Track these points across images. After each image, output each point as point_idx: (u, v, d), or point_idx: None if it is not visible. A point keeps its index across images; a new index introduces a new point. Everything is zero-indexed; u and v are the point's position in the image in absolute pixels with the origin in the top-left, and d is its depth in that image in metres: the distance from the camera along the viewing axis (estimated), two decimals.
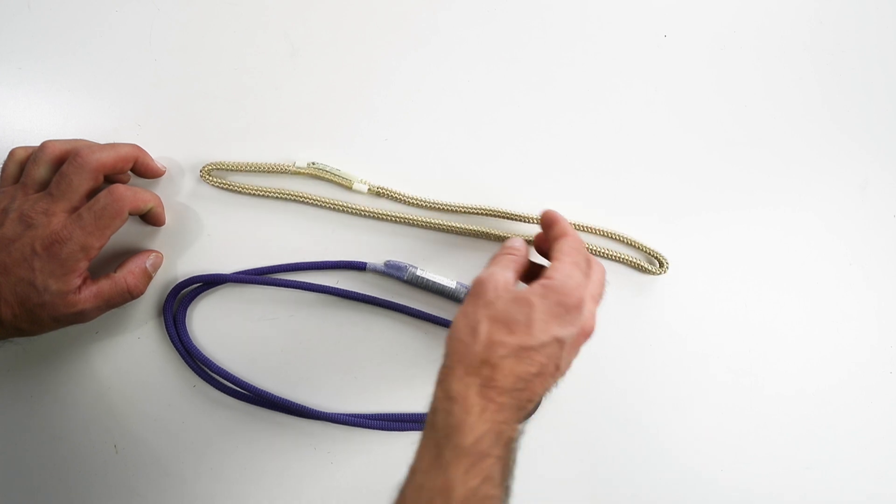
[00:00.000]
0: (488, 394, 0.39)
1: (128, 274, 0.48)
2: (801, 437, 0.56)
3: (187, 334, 0.52)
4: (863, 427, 0.56)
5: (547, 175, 0.53)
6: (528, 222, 0.53)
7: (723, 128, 0.54)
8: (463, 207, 0.53)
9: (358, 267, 0.52)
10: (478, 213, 0.53)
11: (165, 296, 0.51)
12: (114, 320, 0.52)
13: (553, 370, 0.41)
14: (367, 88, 0.52)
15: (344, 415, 0.53)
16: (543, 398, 0.44)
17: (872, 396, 0.56)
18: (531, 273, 0.46)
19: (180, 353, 0.52)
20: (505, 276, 0.42)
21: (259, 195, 0.51)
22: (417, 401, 0.54)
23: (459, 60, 0.53)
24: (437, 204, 0.52)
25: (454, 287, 0.52)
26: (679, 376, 0.54)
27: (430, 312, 0.53)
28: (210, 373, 0.53)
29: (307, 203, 0.52)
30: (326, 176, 0.51)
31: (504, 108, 0.53)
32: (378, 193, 0.52)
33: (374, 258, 0.53)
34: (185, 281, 0.51)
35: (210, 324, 0.53)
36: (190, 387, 0.53)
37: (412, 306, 0.53)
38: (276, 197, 0.51)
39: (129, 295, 0.48)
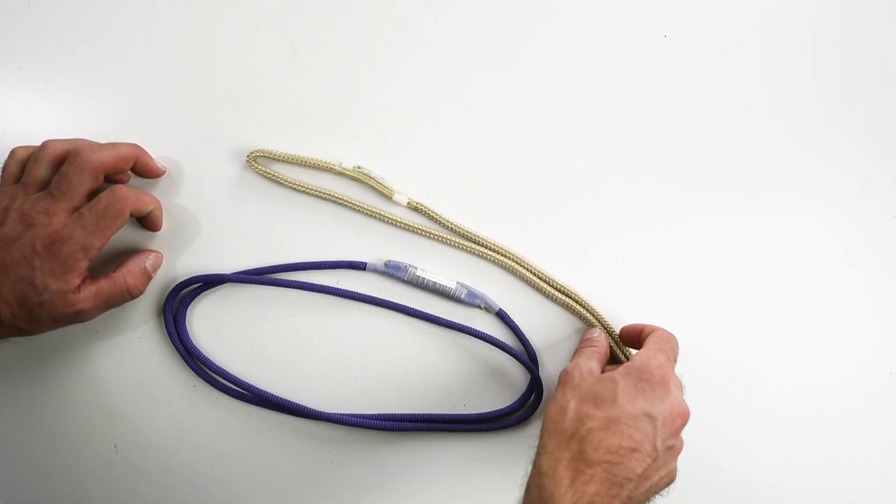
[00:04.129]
0: (577, 465, 0.39)
1: (127, 274, 0.48)
2: (801, 438, 0.56)
3: (187, 334, 0.52)
4: (863, 427, 0.56)
5: (546, 175, 0.53)
6: (578, 303, 0.53)
7: (723, 128, 0.54)
8: (502, 249, 0.53)
9: (358, 267, 0.52)
10: (515, 262, 0.53)
11: (165, 296, 0.51)
12: (114, 320, 0.52)
13: (650, 450, 0.40)
14: (368, 88, 0.52)
15: (344, 415, 0.53)
16: (657, 495, 0.43)
17: (873, 397, 0.56)
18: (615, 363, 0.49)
19: (180, 353, 0.52)
20: (589, 365, 0.46)
21: (301, 191, 0.51)
22: (417, 401, 0.54)
23: (459, 60, 0.53)
24: (472, 234, 0.53)
25: (454, 287, 0.52)
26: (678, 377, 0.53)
27: (430, 312, 0.53)
28: (210, 373, 0.53)
29: (345, 205, 0.52)
30: (369, 182, 0.51)
31: (504, 108, 0.53)
32: (416, 209, 0.52)
33: (375, 255, 0.53)
34: (185, 281, 0.51)
35: (210, 324, 0.53)
36: (190, 387, 0.53)
37: (412, 306, 0.53)
38: (317, 195, 0.51)
39: (129, 295, 0.47)
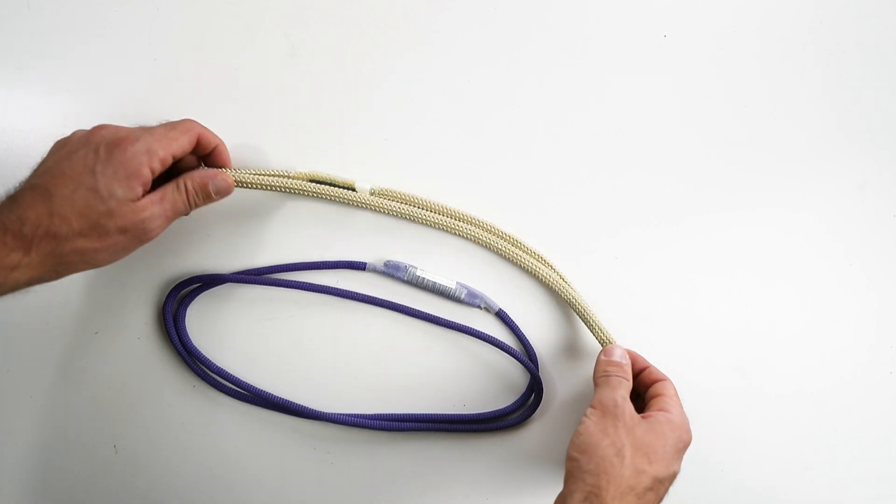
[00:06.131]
0: None
1: (189, 178, 0.45)
2: (801, 438, 0.56)
3: (187, 334, 0.52)
4: (863, 427, 0.56)
5: (547, 175, 0.53)
6: (532, 256, 0.53)
7: (723, 128, 0.54)
8: (463, 215, 0.52)
9: (358, 267, 0.52)
10: (476, 226, 0.52)
11: (165, 296, 0.51)
12: (114, 320, 0.52)
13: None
14: (367, 88, 0.52)
15: (344, 415, 0.53)
16: None
17: (872, 396, 0.56)
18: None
19: (180, 353, 0.52)
20: (630, 404, 0.45)
21: (264, 188, 0.49)
22: (417, 401, 0.54)
23: (459, 61, 0.53)
24: (438, 206, 0.52)
25: (453, 287, 0.52)
26: (679, 376, 0.53)
27: (430, 312, 0.53)
28: (209, 373, 0.53)
29: (311, 196, 0.50)
30: (327, 180, 0.50)
31: (504, 108, 0.53)
32: (380, 195, 0.52)
33: (375, 255, 0.53)
34: (184, 281, 0.51)
35: (210, 324, 0.53)
36: (190, 387, 0.53)
37: (412, 306, 0.53)
38: (280, 190, 0.50)
39: (191, 200, 0.45)
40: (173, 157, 0.43)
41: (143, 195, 0.42)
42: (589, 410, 0.45)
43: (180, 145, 0.43)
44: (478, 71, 0.53)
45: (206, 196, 0.46)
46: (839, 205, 0.55)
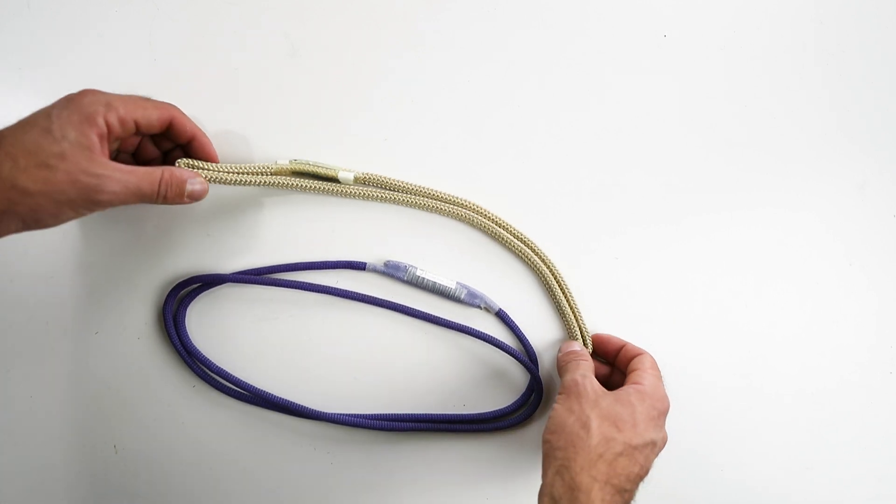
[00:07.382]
0: (607, 489, 0.41)
1: (168, 170, 0.43)
2: (801, 438, 0.56)
3: (187, 334, 0.52)
4: (863, 427, 0.56)
5: (547, 176, 0.53)
6: (522, 241, 0.53)
7: (723, 128, 0.54)
8: (451, 198, 0.52)
9: (358, 267, 0.52)
10: (460, 206, 0.52)
11: (165, 296, 0.51)
12: (114, 320, 0.52)
13: (644, 473, 0.44)
14: (367, 88, 0.52)
15: (344, 415, 0.53)
16: None
17: (872, 396, 0.56)
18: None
19: (180, 354, 0.52)
20: (593, 379, 0.47)
21: (242, 184, 0.48)
22: (417, 401, 0.54)
23: (459, 61, 0.53)
24: (422, 189, 0.52)
25: (454, 287, 0.52)
26: (679, 377, 0.54)
27: (430, 312, 0.53)
28: (209, 373, 0.53)
29: (292, 189, 0.50)
30: (310, 169, 0.50)
31: (504, 108, 0.53)
32: (364, 181, 0.51)
33: (375, 251, 0.53)
34: (184, 281, 0.51)
35: (210, 324, 0.53)
36: (190, 387, 0.53)
37: (412, 306, 0.53)
38: (259, 183, 0.49)
39: (160, 189, 0.43)
40: (136, 123, 0.43)
41: (105, 151, 0.41)
42: (557, 397, 0.47)
43: (146, 115, 0.43)
44: (478, 71, 0.53)
45: (178, 193, 0.44)
46: (839, 205, 0.55)
